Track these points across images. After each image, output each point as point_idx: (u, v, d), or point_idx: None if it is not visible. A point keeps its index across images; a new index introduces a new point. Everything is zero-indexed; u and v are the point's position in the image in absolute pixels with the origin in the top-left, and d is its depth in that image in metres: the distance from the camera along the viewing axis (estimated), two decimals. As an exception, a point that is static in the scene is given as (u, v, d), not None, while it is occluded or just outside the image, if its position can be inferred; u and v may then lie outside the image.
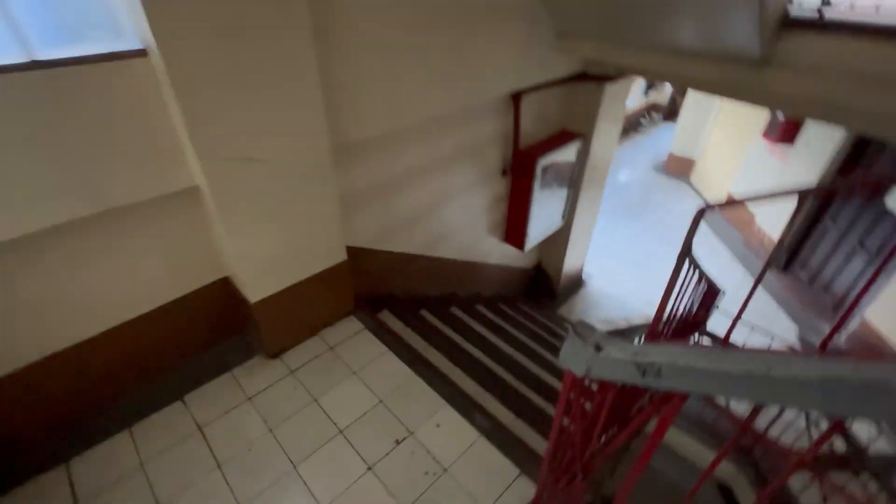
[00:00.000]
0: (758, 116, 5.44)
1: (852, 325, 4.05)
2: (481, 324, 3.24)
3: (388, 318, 2.66)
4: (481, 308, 3.61)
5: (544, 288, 4.67)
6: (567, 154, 3.46)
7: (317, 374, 2.10)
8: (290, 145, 1.72)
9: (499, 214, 3.57)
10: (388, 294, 2.86)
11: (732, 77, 2.19)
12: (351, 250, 2.26)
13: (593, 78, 3.29)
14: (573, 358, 0.89)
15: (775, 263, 5.08)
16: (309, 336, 2.27)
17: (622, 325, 1.92)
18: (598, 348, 0.84)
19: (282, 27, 1.50)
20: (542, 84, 2.97)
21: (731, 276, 5.04)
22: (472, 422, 1.90)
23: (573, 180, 3.79)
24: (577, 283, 4.91)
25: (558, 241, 4.22)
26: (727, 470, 2.11)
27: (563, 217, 4.01)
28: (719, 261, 5.31)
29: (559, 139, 3.46)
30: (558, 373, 2.84)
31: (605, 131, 3.68)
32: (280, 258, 1.94)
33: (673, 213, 6.29)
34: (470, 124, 2.76)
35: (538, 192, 3.34)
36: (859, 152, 4.14)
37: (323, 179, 1.91)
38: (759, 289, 4.77)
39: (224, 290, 2.02)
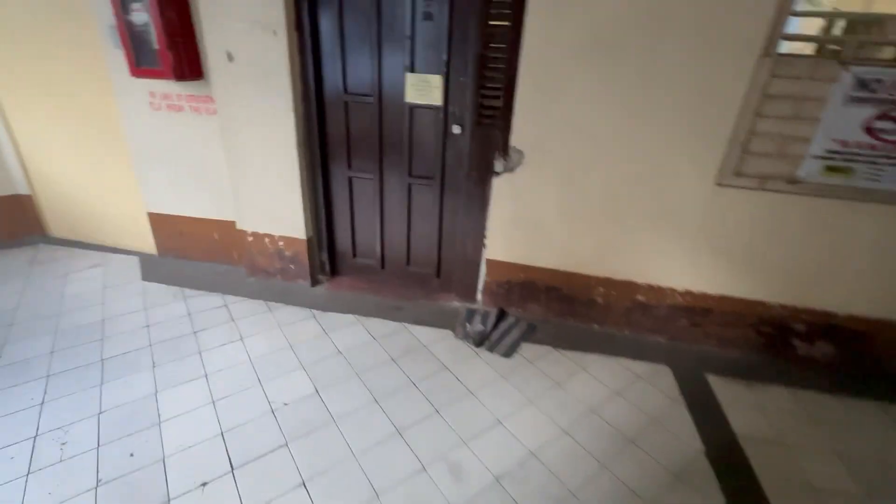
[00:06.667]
0: (90, 65, 2.61)
1: (481, 274, 2.74)
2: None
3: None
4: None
5: None
6: None
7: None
8: None
9: None
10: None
11: None
12: None
13: None
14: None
15: (321, 272, 3.01)
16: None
17: None
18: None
19: None
20: None
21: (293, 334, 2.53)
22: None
23: None
24: None
25: None
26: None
27: None
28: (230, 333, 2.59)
29: None
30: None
31: None
32: None
33: (74, 307, 2.67)
34: None
35: None
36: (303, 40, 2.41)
37: None
38: (354, 320, 2.67)
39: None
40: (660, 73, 2.04)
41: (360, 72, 2.44)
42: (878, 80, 1.85)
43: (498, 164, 2.40)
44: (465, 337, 2.52)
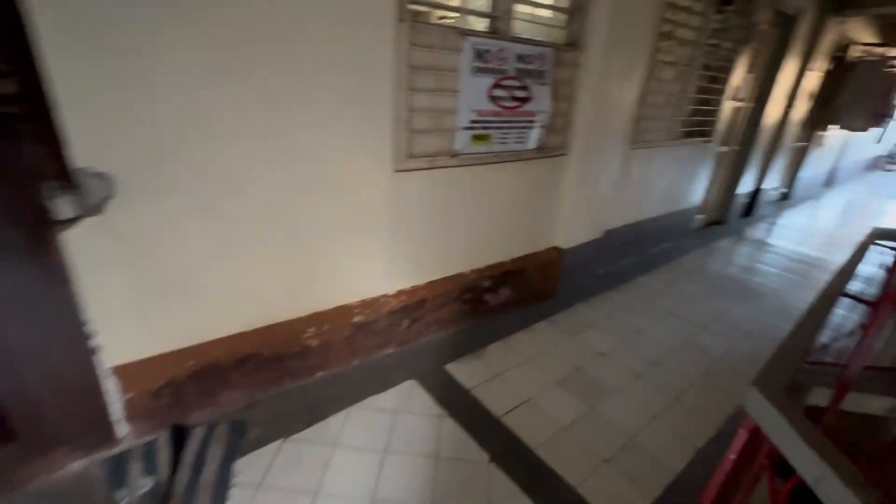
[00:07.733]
0: None
1: (112, 393, 1.56)
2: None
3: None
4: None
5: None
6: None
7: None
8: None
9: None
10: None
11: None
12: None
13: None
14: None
15: None
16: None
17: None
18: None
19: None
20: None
21: None
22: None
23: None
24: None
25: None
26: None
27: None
28: None
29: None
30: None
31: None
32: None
33: None
34: None
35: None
36: None
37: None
38: None
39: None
40: (303, 43, 1.48)
41: None
42: (488, 51, 1.98)
43: (62, 205, 1.25)
44: (124, 521, 1.37)
